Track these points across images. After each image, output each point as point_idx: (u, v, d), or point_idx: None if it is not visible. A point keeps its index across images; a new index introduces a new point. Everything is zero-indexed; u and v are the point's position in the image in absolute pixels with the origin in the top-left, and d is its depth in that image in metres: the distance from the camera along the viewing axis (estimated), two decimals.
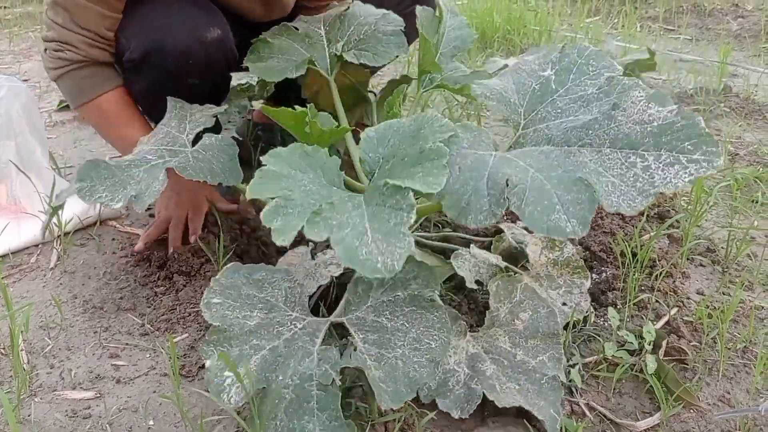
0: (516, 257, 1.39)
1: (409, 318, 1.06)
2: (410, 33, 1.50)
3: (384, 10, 1.56)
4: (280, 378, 1.00)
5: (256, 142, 1.93)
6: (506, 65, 1.42)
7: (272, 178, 1.03)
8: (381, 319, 1.07)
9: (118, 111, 1.48)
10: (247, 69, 1.51)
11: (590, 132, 1.07)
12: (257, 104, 2.17)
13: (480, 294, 1.33)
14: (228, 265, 1.16)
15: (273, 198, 0.98)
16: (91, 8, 1.35)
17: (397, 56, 1.49)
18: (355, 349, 1.04)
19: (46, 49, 1.41)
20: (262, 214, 0.97)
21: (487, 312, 1.19)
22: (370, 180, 1.11)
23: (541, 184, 0.99)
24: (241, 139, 1.94)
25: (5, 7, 4.43)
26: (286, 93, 1.75)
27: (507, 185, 1.00)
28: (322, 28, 1.58)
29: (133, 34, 1.41)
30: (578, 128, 1.09)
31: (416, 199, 0.98)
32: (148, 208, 1.76)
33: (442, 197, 1.02)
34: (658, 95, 1.07)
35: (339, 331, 1.17)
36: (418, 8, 1.44)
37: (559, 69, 1.21)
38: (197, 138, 1.35)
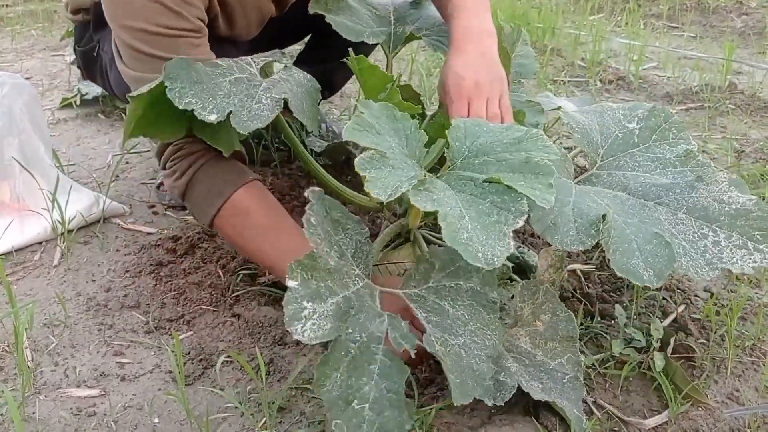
0: (517, 265, 1.38)
1: (468, 310, 1.05)
2: None
3: None
4: (350, 330, 0.96)
5: (260, 138, 1.92)
6: (559, 106, 1.51)
7: (366, 127, 1.03)
8: (443, 302, 1.05)
9: (261, 209, 1.28)
10: None
11: (670, 194, 1.18)
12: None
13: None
14: (313, 188, 1.08)
15: (368, 149, 0.99)
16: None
17: None
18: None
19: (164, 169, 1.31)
20: (356, 161, 0.97)
21: (512, 309, 1.18)
22: (449, 168, 1.09)
23: (622, 228, 1.07)
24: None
25: (7, 6, 4.43)
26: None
27: (602, 220, 1.07)
28: (391, 6, 1.56)
29: None
30: (658, 187, 1.20)
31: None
32: (152, 206, 1.76)
33: (531, 210, 1.02)
34: (739, 182, 1.21)
35: None
36: (502, 22, 1.46)
37: (644, 127, 1.32)
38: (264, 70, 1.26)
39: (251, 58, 1.28)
